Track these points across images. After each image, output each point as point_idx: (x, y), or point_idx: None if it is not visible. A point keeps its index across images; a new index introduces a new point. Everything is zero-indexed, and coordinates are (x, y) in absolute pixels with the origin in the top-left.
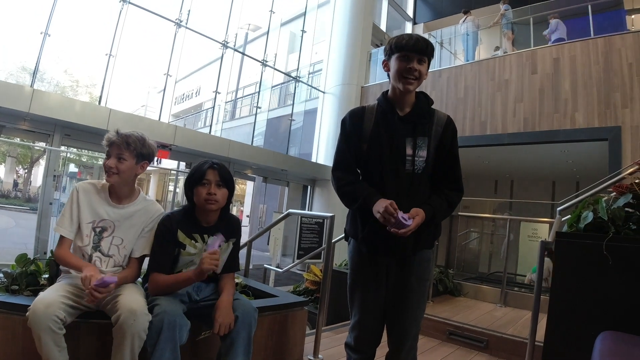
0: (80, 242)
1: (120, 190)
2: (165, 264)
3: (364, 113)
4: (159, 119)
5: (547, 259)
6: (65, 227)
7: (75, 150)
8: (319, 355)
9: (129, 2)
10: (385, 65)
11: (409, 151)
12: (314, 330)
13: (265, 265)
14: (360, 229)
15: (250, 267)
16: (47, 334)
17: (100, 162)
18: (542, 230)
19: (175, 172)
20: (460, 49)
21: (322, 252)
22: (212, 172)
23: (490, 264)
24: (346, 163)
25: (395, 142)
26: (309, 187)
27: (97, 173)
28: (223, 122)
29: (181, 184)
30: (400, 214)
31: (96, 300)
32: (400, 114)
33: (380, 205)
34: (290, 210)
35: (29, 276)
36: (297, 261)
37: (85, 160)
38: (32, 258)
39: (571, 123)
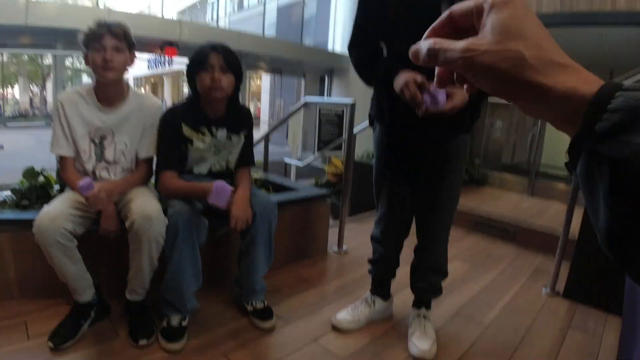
0: (79, 159)
1: (111, 90)
2: (173, 161)
3: None
4: (162, 16)
5: None
6: (62, 146)
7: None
8: (344, 247)
9: None
10: None
11: None
12: (338, 222)
13: (285, 159)
14: (387, 111)
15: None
16: (55, 248)
17: None
18: None
19: None
20: None
21: (343, 143)
22: (215, 55)
23: (514, 154)
24: (363, 36)
25: (426, 5)
26: (326, 78)
27: None
28: (230, 14)
29: None
30: (432, 87)
31: (97, 206)
32: None
33: (401, 79)
34: (307, 98)
35: (39, 189)
36: (317, 154)
37: None
38: (39, 171)
39: (612, 5)
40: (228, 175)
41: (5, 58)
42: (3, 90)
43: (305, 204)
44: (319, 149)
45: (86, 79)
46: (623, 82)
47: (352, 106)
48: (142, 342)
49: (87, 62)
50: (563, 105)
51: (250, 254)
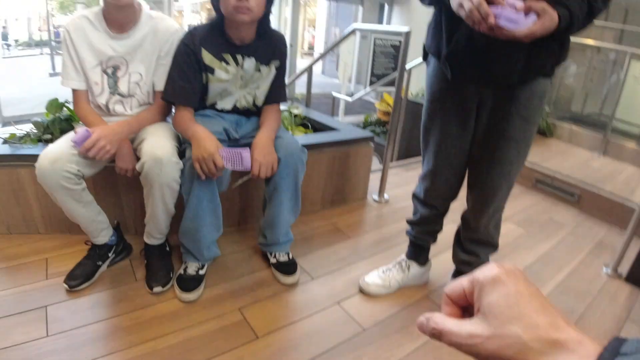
0: (91, 93)
1: (121, 13)
2: (184, 92)
3: None
4: None
5: None
6: (72, 78)
7: None
8: (385, 196)
9: None
10: None
11: None
12: (382, 167)
13: (333, 94)
14: (445, 42)
15: (315, 94)
16: (60, 193)
17: None
18: None
19: None
20: None
21: (396, 77)
22: None
23: (586, 103)
24: None
25: None
26: (385, 6)
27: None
28: None
29: None
30: (505, 11)
31: (100, 155)
32: None
33: None
34: (355, 25)
35: (63, 122)
36: (368, 88)
37: None
38: (62, 102)
39: None
40: (255, 112)
41: None
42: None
43: (344, 146)
44: (371, 83)
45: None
46: (623, 339)
47: (407, 35)
48: (157, 289)
49: None
50: None
51: (273, 204)
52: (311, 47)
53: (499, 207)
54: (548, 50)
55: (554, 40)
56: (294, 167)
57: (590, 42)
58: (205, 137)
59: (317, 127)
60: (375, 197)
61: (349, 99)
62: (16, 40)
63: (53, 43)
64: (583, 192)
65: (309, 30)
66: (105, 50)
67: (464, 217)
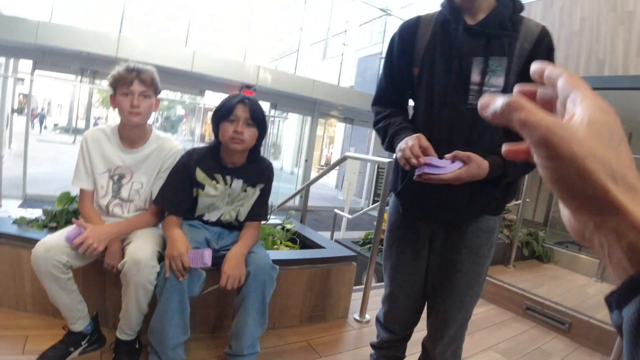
0: (95, 194)
1: (135, 132)
2: (172, 201)
3: (418, 25)
4: (244, 60)
5: None
6: (82, 180)
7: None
8: (366, 316)
9: None
10: None
11: (475, 77)
12: (363, 287)
13: (335, 211)
14: (400, 181)
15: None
16: (48, 278)
17: (200, 105)
18: None
19: None
20: None
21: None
22: (242, 107)
23: None
24: (385, 96)
25: (456, 63)
26: None
27: (198, 114)
28: (312, 62)
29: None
30: (434, 160)
31: (88, 252)
32: (470, 23)
33: (404, 141)
34: (347, 154)
35: (69, 213)
36: (368, 207)
37: (187, 103)
38: (74, 196)
39: None
40: (237, 227)
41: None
42: (107, 112)
43: (326, 263)
44: (374, 201)
45: (180, 110)
46: None
47: (390, 164)
48: None
49: (113, 104)
50: (629, 235)
51: (240, 315)
52: (328, 163)
53: (455, 337)
54: (489, 193)
55: (494, 184)
56: (262, 281)
57: None
58: (178, 239)
59: (306, 243)
60: (357, 316)
61: (349, 216)
62: (55, 125)
63: None
64: (574, 320)
65: (329, 147)
66: (115, 160)
67: (423, 344)
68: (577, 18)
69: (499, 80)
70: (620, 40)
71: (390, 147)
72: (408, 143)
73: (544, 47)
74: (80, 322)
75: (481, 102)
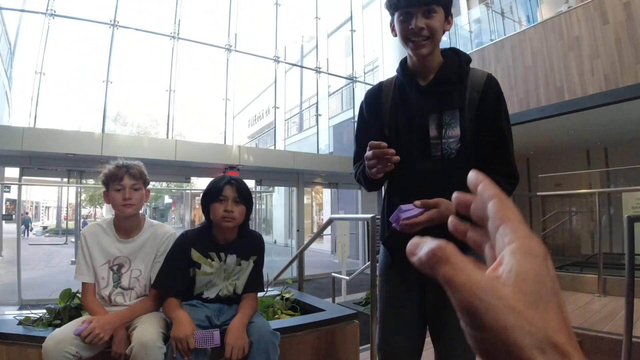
0: (97, 285)
1: (129, 222)
2: (171, 284)
3: (381, 90)
4: (224, 142)
5: None
6: (83, 274)
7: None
8: None
9: (178, 38)
10: (393, 29)
11: (433, 133)
12: (369, 345)
13: (332, 274)
14: (387, 228)
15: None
16: None
17: (187, 190)
18: None
19: None
20: (522, 16)
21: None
22: (229, 188)
23: (593, 245)
24: (361, 158)
25: (416, 123)
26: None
27: (186, 200)
28: (291, 135)
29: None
30: (403, 207)
31: (95, 342)
32: (423, 84)
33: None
34: (332, 216)
35: (72, 310)
36: (363, 266)
37: (174, 191)
38: (75, 292)
39: None
40: (236, 300)
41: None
42: (94, 210)
43: (327, 325)
44: (370, 260)
45: (168, 199)
46: None
47: (373, 219)
48: None
49: (106, 199)
50: None
51: None
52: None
53: None
54: None
55: None
56: (265, 348)
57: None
58: (184, 321)
59: (307, 309)
60: None
61: (347, 277)
62: (44, 227)
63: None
64: (584, 337)
65: (319, 215)
66: (113, 251)
67: None
68: (528, 53)
69: (455, 131)
70: (573, 65)
71: (367, 180)
72: (368, 150)
73: (491, 94)
74: None
75: (408, 247)
